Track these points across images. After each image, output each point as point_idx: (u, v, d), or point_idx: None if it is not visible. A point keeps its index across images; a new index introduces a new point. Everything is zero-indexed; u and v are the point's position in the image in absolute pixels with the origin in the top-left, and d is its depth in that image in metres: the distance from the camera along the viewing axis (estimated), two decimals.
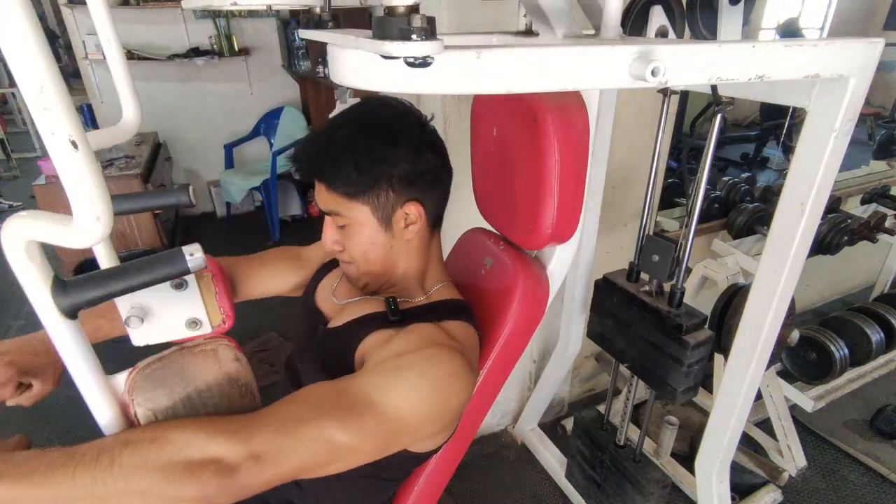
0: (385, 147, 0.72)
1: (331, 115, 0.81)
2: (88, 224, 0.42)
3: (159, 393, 0.59)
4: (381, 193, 0.73)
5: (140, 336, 0.65)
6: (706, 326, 1.13)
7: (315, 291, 0.92)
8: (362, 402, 0.62)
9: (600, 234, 1.54)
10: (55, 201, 2.27)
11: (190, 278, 0.67)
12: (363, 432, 0.61)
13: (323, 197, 0.75)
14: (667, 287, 1.18)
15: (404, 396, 0.64)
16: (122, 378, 0.61)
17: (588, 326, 1.40)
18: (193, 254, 0.51)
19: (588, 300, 1.61)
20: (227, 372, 0.63)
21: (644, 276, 1.24)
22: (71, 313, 0.48)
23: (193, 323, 0.69)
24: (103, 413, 0.57)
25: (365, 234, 0.76)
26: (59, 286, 0.47)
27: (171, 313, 0.66)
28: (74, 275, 2.62)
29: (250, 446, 0.55)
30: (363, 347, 0.74)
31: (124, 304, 0.63)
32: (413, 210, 0.76)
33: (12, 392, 0.73)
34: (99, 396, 0.56)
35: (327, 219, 0.78)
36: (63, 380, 2.36)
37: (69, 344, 0.50)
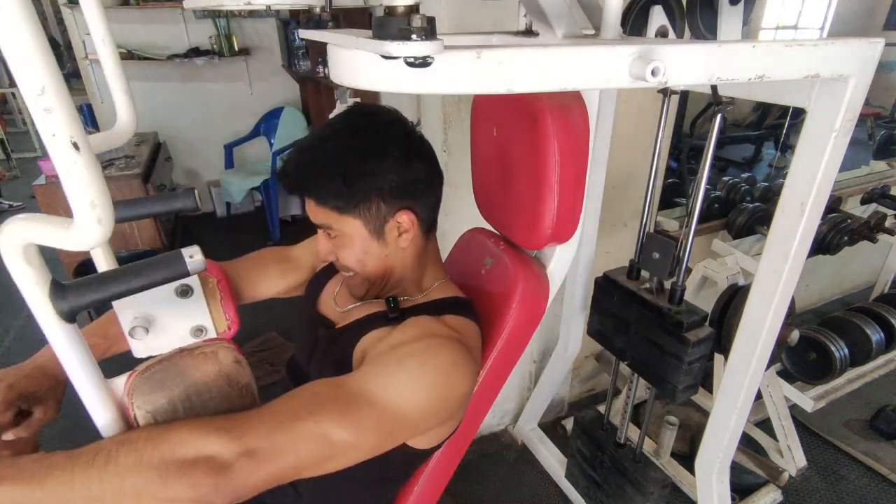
0: (373, 159, 0.72)
1: (326, 122, 0.80)
2: (89, 227, 0.41)
3: (159, 395, 0.59)
4: (372, 206, 0.73)
5: (143, 348, 0.64)
6: (707, 324, 1.13)
7: (318, 298, 0.92)
8: (360, 396, 0.62)
9: (600, 234, 1.54)
10: (55, 201, 2.26)
11: (195, 285, 0.67)
12: (362, 427, 0.61)
13: (313, 211, 0.75)
14: (667, 285, 1.17)
15: (403, 387, 0.63)
16: (121, 381, 0.60)
17: (588, 324, 1.40)
18: (193, 255, 0.51)
19: (588, 300, 1.61)
20: (227, 373, 0.63)
21: (644, 273, 1.24)
22: (69, 317, 0.48)
23: (199, 330, 0.69)
24: (102, 416, 0.56)
25: (358, 246, 0.76)
26: (57, 290, 0.46)
27: (176, 322, 0.65)
28: (74, 276, 2.61)
29: (245, 443, 0.54)
30: (361, 345, 0.75)
31: (127, 314, 0.61)
32: (405, 219, 0.75)
33: (11, 418, 0.68)
34: (98, 400, 0.55)
35: (320, 230, 0.78)
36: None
37: (68, 348, 0.49)
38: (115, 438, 0.55)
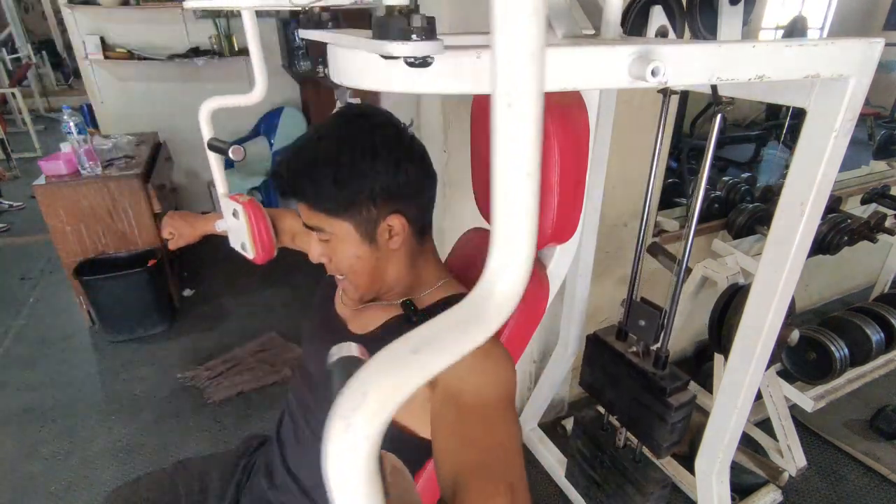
0: (364, 162, 0.72)
1: (318, 123, 0.81)
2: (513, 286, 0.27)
3: None
4: (363, 209, 0.73)
5: (232, 238, 1.04)
6: (689, 387, 1.22)
7: (334, 297, 0.93)
8: (495, 401, 0.64)
9: (600, 234, 1.54)
10: (55, 201, 2.26)
11: (241, 213, 0.97)
12: (517, 417, 0.66)
13: (305, 213, 0.75)
14: (653, 347, 1.24)
15: (503, 375, 0.68)
16: None
17: (580, 377, 1.46)
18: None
19: (588, 300, 1.61)
20: (393, 464, 0.51)
21: (632, 335, 1.31)
22: None
23: (243, 246, 1.02)
24: None
25: (349, 249, 0.76)
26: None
27: (237, 234, 1.01)
28: (75, 275, 2.57)
29: (512, 484, 0.55)
30: None
31: (221, 224, 1.03)
32: (396, 222, 0.75)
33: (167, 234, 1.11)
34: None
35: (313, 234, 0.78)
36: (65, 381, 2.36)
37: None
38: None
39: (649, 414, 1.22)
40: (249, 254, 1.01)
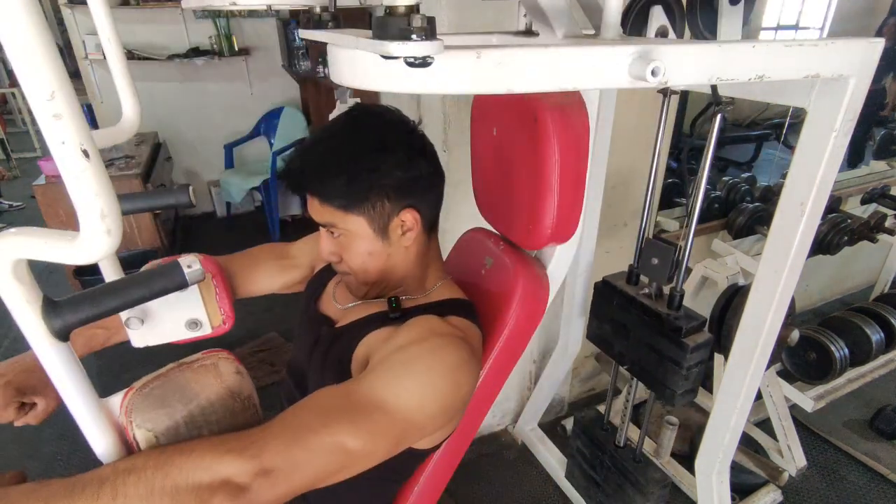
0: (377, 157, 0.72)
1: (328, 120, 0.81)
2: (98, 238, 0.38)
3: (160, 413, 0.55)
4: (377, 204, 0.73)
5: (140, 338, 0.68)
6: (706, 328, 1.13)
7: (319, 297, 0.92)
8: (371, 403, 0.61)
9: (600, 234, 1.54)
10: (55, 201, 2.26)
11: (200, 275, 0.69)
12: (374, 435, 0.60)
13: (317, 210, 0.74)
14: (666, 290, 1.18)
15: (413, 393, 0.63)
16: (117, 400, 0.56)
17: (588, 328, 1.40)
18: (191, 266, 0.49)
19: (588, 300, 1.61)
20: (228, 386, 0.60)
21: (643, 278, 1.24)
22: (63, 335, 0.45)
23: (194, 324, 0.72)
24: (100, 439, 0.53)
25: (362, 245, 0.75)
26: (50, 307, 0.43)
27: (171, 314, 0.68)
28: (75, 276, 2.58)
29: (260, 462, 0.53)
30: (363, 345, 0.75)
31: (135, 322, 0.66)
32: (409, 217, 0.75)
33: (15, 413, 0.71)
34: (94, 421, 0.52)
35: (323, 230, 0.77)
36: None
37: (60, 368, 0.47)
38: (118, 466, 0.51)
39: (663, 360, 1.15)
40: (206, 329, 0.74)
